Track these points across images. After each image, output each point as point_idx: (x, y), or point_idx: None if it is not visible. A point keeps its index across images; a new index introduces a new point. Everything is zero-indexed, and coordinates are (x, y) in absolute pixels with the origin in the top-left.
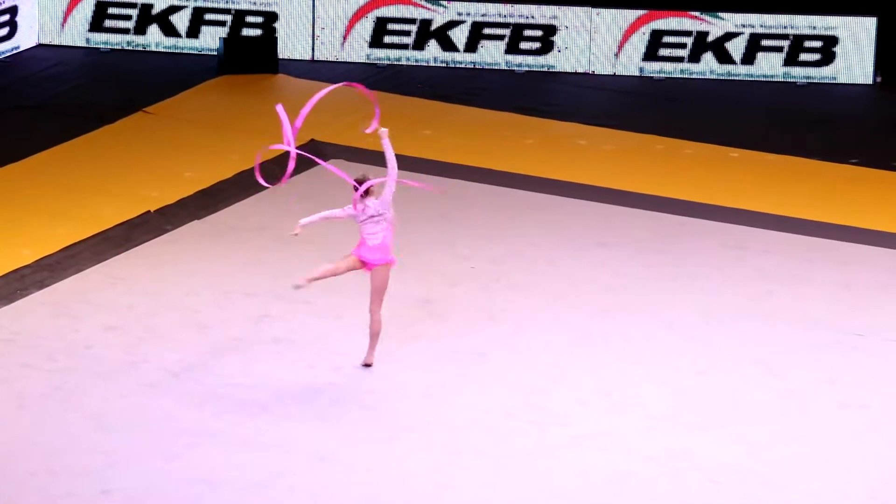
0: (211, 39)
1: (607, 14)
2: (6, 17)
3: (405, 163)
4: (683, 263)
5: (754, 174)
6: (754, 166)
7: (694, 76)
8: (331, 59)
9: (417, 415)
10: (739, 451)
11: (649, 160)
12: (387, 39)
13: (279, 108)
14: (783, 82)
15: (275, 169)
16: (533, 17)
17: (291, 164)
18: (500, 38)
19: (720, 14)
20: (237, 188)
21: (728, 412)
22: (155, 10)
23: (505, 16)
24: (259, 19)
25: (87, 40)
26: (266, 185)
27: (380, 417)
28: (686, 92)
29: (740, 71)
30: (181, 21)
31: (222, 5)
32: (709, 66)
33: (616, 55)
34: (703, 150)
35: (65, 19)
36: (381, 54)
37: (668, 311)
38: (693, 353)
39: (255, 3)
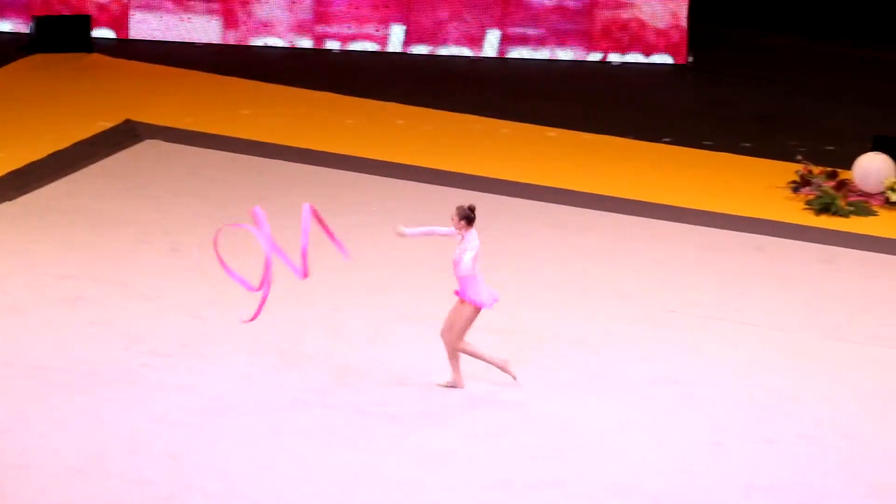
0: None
1: None
2: None
3: (222, 143)
4: (503, 242)
5: (570, 153)
6: (570, 146)
7: (509, 57)
8: (147, 38)
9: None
10: (554, 428)
11: (467, 140)
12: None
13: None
14: (598, 62)
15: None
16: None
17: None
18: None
19: None
20: (50, 169)
21: (542, 390)
22: None
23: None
24: None
25: None
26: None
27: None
28: (502, 72)
29: (553, 52)
30: None
31: None
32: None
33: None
34: (520, 130)
35: None
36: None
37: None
38: (508, 331)
39: None
